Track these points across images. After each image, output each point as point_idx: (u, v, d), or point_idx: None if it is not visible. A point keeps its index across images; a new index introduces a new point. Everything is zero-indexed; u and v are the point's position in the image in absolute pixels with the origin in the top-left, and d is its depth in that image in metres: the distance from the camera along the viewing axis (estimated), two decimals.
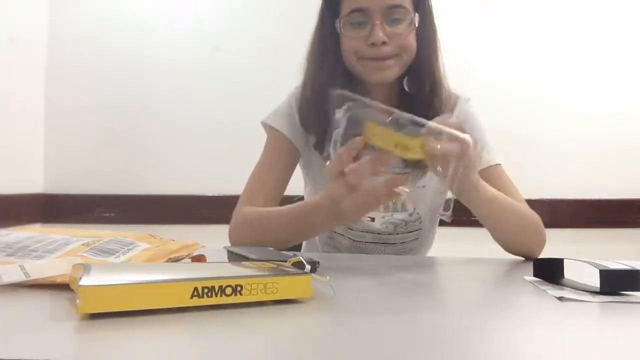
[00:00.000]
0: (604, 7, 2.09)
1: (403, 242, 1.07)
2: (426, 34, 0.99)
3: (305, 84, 1.04)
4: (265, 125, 1.07)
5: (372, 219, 1.03)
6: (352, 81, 1.00)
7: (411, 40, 0.96)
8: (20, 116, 1.90)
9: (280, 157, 1.04)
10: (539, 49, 2.08)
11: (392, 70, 0.97)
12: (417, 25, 0.96)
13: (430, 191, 1.05)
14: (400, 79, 1.00)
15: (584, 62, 2.08)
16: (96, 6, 2.05)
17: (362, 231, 1.05)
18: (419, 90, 0.99)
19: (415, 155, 0.68)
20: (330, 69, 0.99)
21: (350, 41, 0.96)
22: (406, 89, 1.01)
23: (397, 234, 1.06)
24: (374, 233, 1.05)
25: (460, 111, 1.04)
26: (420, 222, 1.06)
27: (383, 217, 1.04)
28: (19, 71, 1.88)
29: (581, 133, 2.07)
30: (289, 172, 1.05)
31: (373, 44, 0.93)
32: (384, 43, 0.93)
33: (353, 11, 0.94)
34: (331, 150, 0.71)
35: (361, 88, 1.00)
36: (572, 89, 2.08)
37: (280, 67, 1.98)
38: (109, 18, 2.05)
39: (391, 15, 0.94)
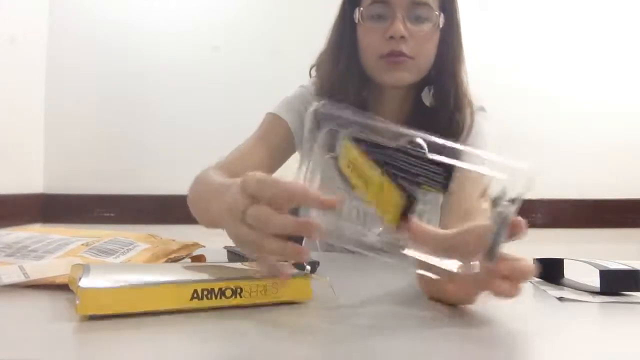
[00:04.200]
0: (604, 7, 2.09)
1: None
2: (450, 40, 0.93)
3: (321, 79, 0.99)
4: (267, 114, 1.02)
5: (378, 235, 1.00)
6: (366, 82, 0.95)
7: (431, 44, 0.91)
8: (20, 116, 1.90)
9: (272, 137, 0.97)
10: (539, 49, 2.08)
11: (407, 74, 0.91)
12: (441, 27, 0.90)
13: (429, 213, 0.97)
14: (417, 87, 0.95)
15: (584, 62, 2.08)
16: (96, 6, 2.05)
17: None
18: (442, 103, 0.93)
19: (387, 214, 0.50)
20: (346, 67, 0.94)
21: (368, 33, 0.91)
22: (426, 102, 0.95)
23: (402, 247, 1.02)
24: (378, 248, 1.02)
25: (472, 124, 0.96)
26: None
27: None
28: (19, 71, 1.88)
29: (581, 133, 2.06)
30: (277, 155, 0.98)
31: (392, 38, 0.88)
32: (402, 38, 0.87)
33: (375, 2, 0.89)
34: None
35: (375, 90, 0.96)
36: (573, 89, 2.08)
37: (280, 67, 1.98)
38: (109, 18, 2.05)
39: (415, 11, 0.89)
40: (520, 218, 0.46)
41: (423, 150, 0.48)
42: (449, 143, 0.48)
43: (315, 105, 0.50)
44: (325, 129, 0.50)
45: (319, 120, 0.50)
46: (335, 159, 0.52)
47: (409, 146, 0.49)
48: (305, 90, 1.03)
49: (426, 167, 0.48)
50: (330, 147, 0.52)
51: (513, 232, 0.46)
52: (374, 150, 0.49)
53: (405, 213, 0.48)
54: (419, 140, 0.48)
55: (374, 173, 0.49)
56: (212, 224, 0.65)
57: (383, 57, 0.90)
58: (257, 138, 0.97)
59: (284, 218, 0.47)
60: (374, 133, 0.50)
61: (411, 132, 0.49)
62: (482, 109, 1.01)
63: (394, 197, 0.49)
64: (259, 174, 0.50)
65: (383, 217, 0.50)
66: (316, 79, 1.01)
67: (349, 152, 0.50)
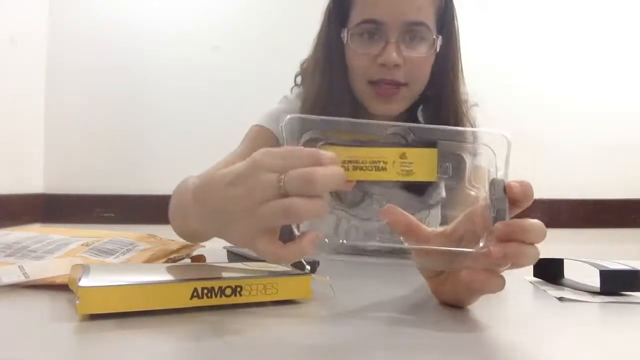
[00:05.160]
0: (603, 7, 2.09)
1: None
2: (449, 60, 0.86)
3: (306, 97, 0.92)
4: (253, 126, 0.97)
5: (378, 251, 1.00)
6: (355, 101, 0.88)
7: (426, 68, 0.84)
8: (20, 116, 1.90)
9: (259, 148, 0.90)
10: (538, 49, 2.08)
11: (398, 104, 0.85)
12: (437, 50, 0.83)
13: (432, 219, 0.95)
14: (412, 106, 0.88)
15: (583, 62, 2.08)
16: (96, 6, 2.05)
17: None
18: (441, 121, 0.83)
19: (391, 175, 0.46)
20: (333, 85, 0.87)
21: (358, 58, 0.83)
22: (420, 120, 0.88)
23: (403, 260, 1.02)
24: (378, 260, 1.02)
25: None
26: None
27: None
28: (19, 71, 1.88)
29: (581, 133, 2.07)
30: None
31: (383, 65, 0.80)
32: (396, 65, 0.80)
33: (365, 22, 0.81)
34: None
35: (364, 113, 0.88)
36: (572, 89, 2.08)
37: (280, 67, 1.97)
38: (109, 18, 2.05)
39: (410, 33, 0.81)
40: (520, 181, 0.45)
41: (406, 137, 0.47)
42: (431, 126, 0.48)
43: (286, 119, 0.46)
44: (303, 140, 0.46)
45: (294, 133, 0.47)
46: None
47: (390, 133, 0.47)
48: (290, 104, 0.97)
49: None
50: None
51: (516, 198, 0.44)
52: (365, 143, 0.47)
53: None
54: (400, 129, 0.47)
55: (385, 150, 0.46)
56: (202, 230, 0.56)
57: (373, 83, 0.83)
58: (243, 149, 0.92)
59: (329, 168, 0.42)
60: (355, 133, 0.48)
61: (393, 123, 0.48)
62: (475, 104, 0.97)
63: (420, 155, 0.47)
64: (267, 150, 0.45)
65: (424, 179, 0.47)
66: (301, 92, 0.96)
67: (342, 153, 0.46)
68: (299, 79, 1.01)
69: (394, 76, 0.81)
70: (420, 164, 0.47)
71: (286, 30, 2.01)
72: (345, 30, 0.84)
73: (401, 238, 0.50)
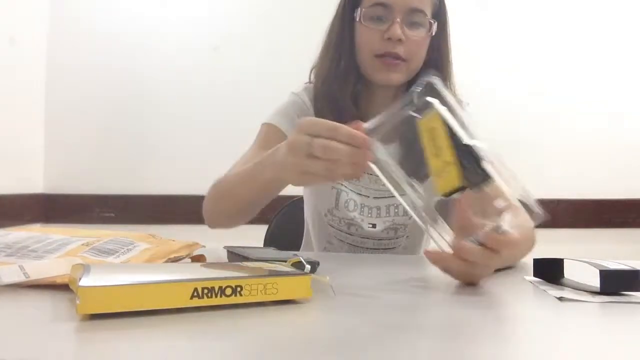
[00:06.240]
0: (602, 8, 2.09)
1: (405, 248, 1.06)
2: (442, 44, 1.01)
3: (318, 78, 1.04)
4: (263, 125, 1.05)
5: (374, 226, 1.03)
6: (360, 79, 1.01)
7: (423, 49, 0.98)
8: (20, 116, 1.90)
9: (272, 144, 1.00)
10: (539, 49, 2.08)
11: (399, 75, 0.98)
12: (433, 34, 0.98)
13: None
14: (407, 88, 0.99)
15: (584, 62, 2.08)
16: (96, 6, 2.05)
17: (363, 237, 1.04)
18: None
19: (445, 187, 0.58)
20: (345, 65, 1.00)
21: (367, 33, 0.97)
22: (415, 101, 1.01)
23: (397, 238, 1.05)
24: (375, 239, 1.04)
25: None
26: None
27: (385, 222, 1.03)
28: (19, 71, 1.88)
29: (581, 133, 2.07)
30: None
31: (389, 39, 0.94)
32: (399, 40, 0.94)
33: (376, 4, 0.95)
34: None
35: (366, 87, 1.02)
36: (573, 89, 2.08)
37: (279, 67, 1.98)
38: (109, 18, 2.05)
39: (412, 17, 0.95)
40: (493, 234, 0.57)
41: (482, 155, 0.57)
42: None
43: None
44: (430, 97, 0.59)
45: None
46: (415, 117, 0.61)
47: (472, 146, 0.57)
48: (298, 98, 1.06)
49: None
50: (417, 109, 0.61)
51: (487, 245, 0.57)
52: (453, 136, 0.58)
53: (454, 192, 0.59)
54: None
55: (448, 151, 0.57)
56: (255, 194, 0.82)
57: (378, 56, 0.96)
58: (257, 147, 1.01)
59: (345, 145, 0.59)
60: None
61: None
62: (467, 104, 1.06)
63: (454, 178, 0.57)
64: (309, 118, 0.64)
65: (436, 185, 0.59)
66: (314, 79, 1.06)
67: (435, 121, 0.58)
68: (312, 75, 1.08)
69: (397, 50, 0.95)
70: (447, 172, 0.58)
71: (286, 31, 2.01)
72: (358, 10, 0.98)
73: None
